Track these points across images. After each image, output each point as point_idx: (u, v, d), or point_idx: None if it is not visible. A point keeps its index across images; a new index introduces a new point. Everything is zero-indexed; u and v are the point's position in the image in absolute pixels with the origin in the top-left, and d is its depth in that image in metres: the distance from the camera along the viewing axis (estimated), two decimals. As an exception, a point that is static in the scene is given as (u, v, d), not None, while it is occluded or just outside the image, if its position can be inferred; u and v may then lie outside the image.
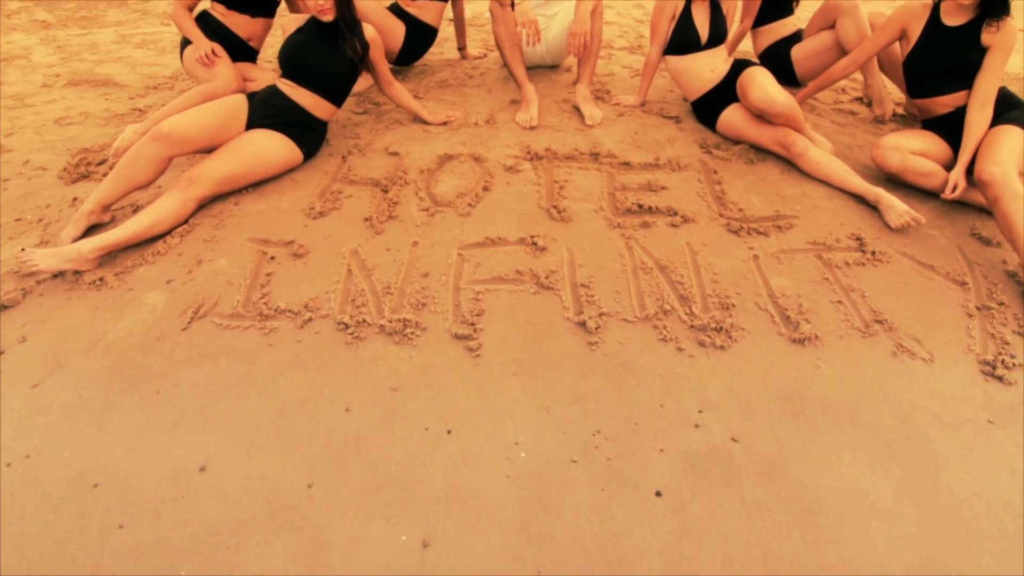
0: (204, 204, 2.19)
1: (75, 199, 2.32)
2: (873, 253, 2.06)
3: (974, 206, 2.33)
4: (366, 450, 1.45)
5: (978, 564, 1.30)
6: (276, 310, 1.78)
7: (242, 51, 3.03)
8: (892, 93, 3.24)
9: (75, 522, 1.32)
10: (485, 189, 2.28)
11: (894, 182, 2.41)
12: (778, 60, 3.23)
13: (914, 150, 2.35)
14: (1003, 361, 1.71)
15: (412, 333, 1.71)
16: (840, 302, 1.88)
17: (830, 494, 1.40)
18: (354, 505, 1.35)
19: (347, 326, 1.73)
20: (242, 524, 1.32)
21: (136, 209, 2.21)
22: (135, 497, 1.36)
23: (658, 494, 1.39)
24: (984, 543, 1.34)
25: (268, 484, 1.39)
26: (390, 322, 1.73)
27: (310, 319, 1.76)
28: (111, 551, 1.27)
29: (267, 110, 2.33)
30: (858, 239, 2.11)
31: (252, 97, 2.37)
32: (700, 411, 1.56)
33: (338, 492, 1.37)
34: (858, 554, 1.30)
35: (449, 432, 1.49)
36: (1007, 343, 1.78)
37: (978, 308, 1.91)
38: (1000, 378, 1.68)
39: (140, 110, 3.19)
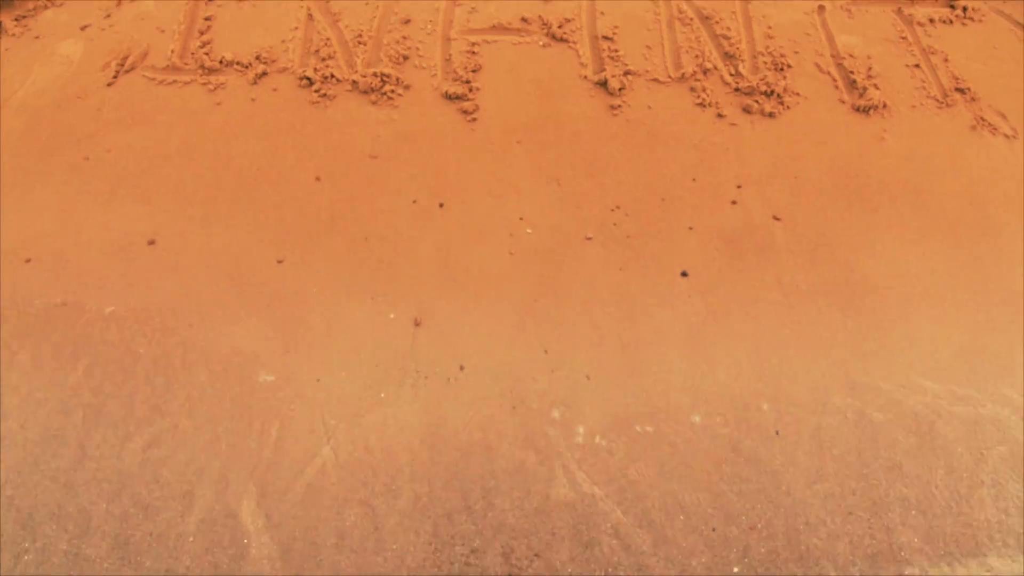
0: (115, -71, 1.68)
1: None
2: (964, 10, 1.66)
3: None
4: (344, 224, 1.23)
5: (1031, 350, 1.18)
6: (222, 62, 1.43)
7: None
8: None
9: (9, 295, 1.14)
10: (481, -86, 1.75)
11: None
12: None
13: None
14: (1099, 138, 1.44)
15: (392, 91, 1.39)
16: (917, 66, 1.53)
17: (879, 277, 1.22)
18: (333, 282, 1.17)
19: (311, 82, 1.40)
20: (203, 301, 1.14)
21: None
22: (76, 272, 1.17)
23: (684, 274, 1.20)
24: (1041, 329, 1.20)
25: (230, 259, 1.19)
26: (364, 77, 1.39)
27: (264, 73, 1.41)
28: (55, 327, 1.10)
29: None
30: (949, -9, 1.69)
31: None
32: (739, 186, 1.31)
33: (314, 268, 1.18)
34: (903, 337, 1.16)
35: (441, 205, 1.26)
36: (1107, 118, 1.49)
37: (1079, 78, 1.58)
38: (1092, 157, 1.42)
39: None
